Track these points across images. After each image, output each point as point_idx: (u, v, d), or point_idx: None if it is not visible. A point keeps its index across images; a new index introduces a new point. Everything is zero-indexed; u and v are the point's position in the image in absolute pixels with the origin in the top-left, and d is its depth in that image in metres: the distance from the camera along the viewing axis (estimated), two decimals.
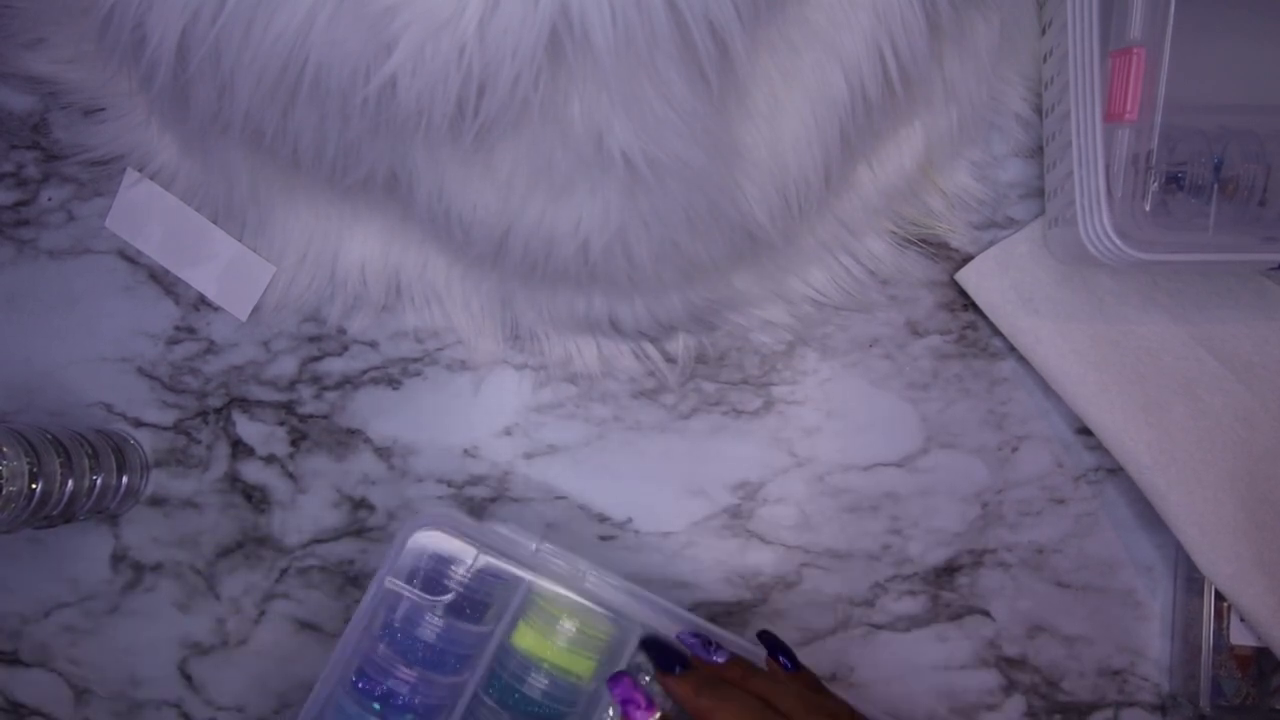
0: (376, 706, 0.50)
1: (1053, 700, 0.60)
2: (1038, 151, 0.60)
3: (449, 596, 0.50)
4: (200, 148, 0.55)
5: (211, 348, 0.61)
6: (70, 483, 0.53)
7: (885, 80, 0.50)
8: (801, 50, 0.48)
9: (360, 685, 0.50)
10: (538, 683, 0.50)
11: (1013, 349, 0.60)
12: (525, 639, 0.51)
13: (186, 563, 0.60)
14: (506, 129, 0.45)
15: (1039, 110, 0.60)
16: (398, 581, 0.50)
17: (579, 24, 0.40)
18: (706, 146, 0.46)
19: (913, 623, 0.60)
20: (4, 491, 0.49)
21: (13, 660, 0.60)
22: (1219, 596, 0.56)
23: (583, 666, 0.51)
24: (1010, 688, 0.60)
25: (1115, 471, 0.60)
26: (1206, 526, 0.55)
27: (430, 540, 0.51)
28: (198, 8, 0.41)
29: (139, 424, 0.60)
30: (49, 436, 0.53)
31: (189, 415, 0.61)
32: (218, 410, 0.60)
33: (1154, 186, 0.52)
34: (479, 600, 0.51)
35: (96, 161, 0.59)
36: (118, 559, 0.60)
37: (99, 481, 0.56)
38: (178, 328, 0.61)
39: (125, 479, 0.58)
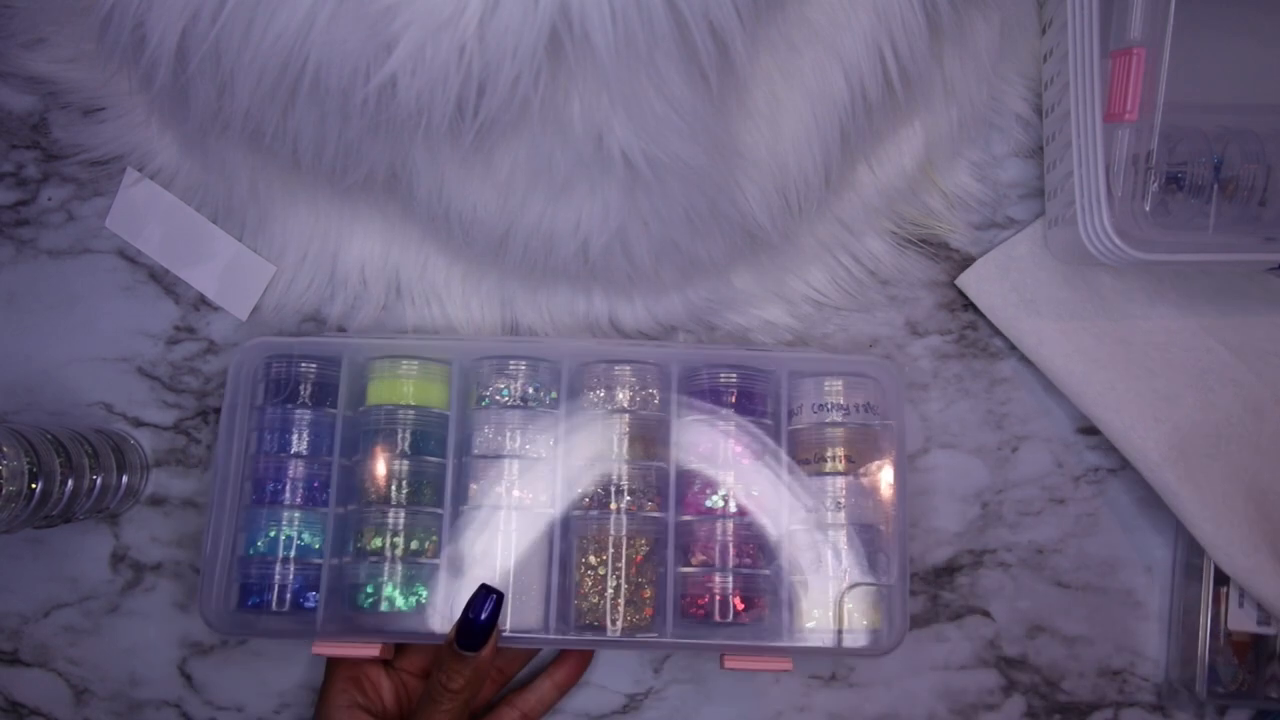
0: (287, 503, 0.54)
1: (1053, 700, 0.60)
2: (1038, 151, 0.60)
3: (305, 390, 0.55)
4: (200, 147, 0.55)
5: (211, 348, 0.61)
6: (70, 483, 0.53)
7: (885, 80, 0.50)
8: (801, 50, 0.48)
9: (255, 499, 0.54)
10: (406, 419, 0.54)
11: (1013, 349, 0.60)
12: (380, 393, 0.54)
13: (186, 563, 0.60)
14: (506, 129, 0.45)
15: (1039, 110, 0.60)
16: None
17: (579, 24, 0.40)
18: (706, 146, 0.46)
19: (913, 622, 0.60)
20: (4, 491, 0.49)
21: (13, 660, 0.60)
22: (1218, 583, 0.56)
23: (436, 395, 0.55)
24: (1010, 688, 0.60)
25: (1115, 471, 0.60)
26: (1221, 521, 0.54)
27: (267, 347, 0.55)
28: (198, 8, 0.41)
29: (139, 424, 0.60)
30: (49, 436, 0.53)
31: (189, 415, 0.61)
32: (218, 410, 0.60)
33: (1154, 186, 0.52)
34: (329, 385, 0.55)
35: (96, 161, 0.59)
36: (118, 559, 0.60)
37: (99, 481, 0.56)
38: (178, 328, 0.61)
39: (125, 479, 0.58)
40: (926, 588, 0.60)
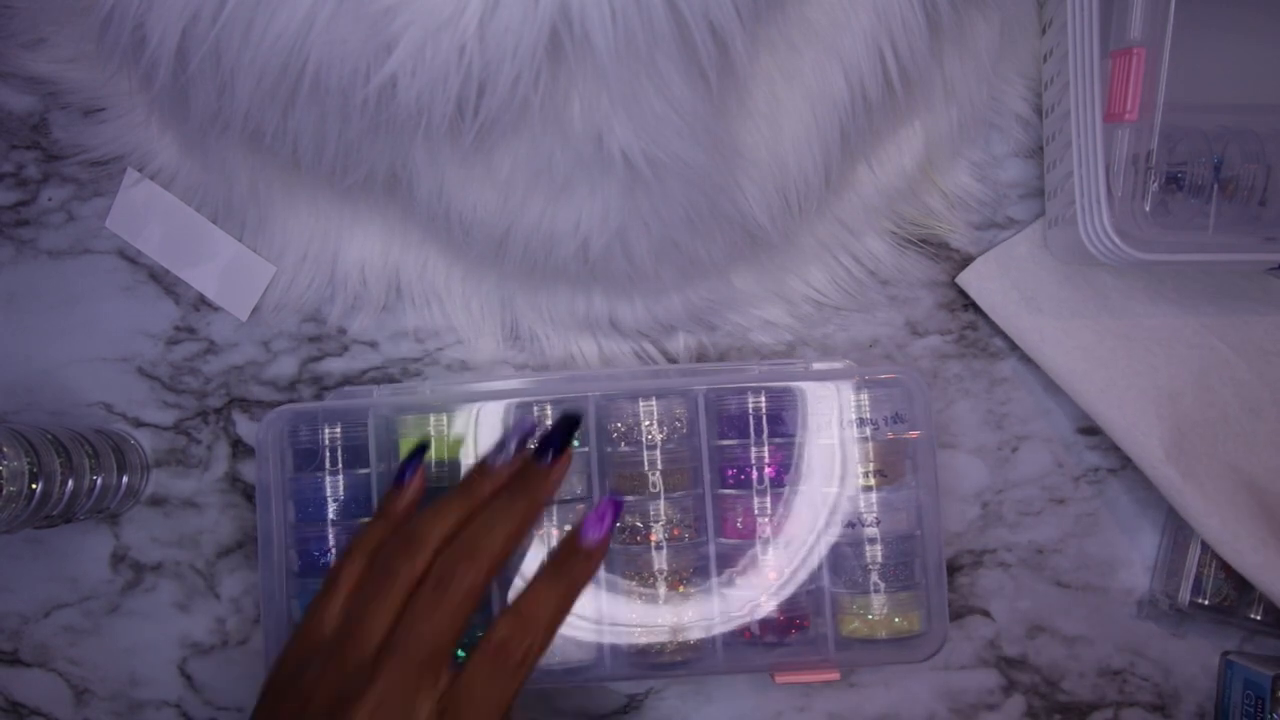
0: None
1: (1053, 700, 0.60)
2: (1038, 151, 0.60)
3: (331, 457, 0.54)
4: (200, 147, 0.55)
5: (211, 348, 0.61)
6: (70, 483, 0.53)
7: (885, 80, 0.50)
8: (801, 50, 0.48)
9: (302, 567, 0.54)
10: (442, 476, 0.54)
11: (1013, 349, 0.60)
12: (409, 446, 0.54)
13: (186, 563, 0.60)
14: (506, 129, 0.45)
15: (1039, 110, 0.60)
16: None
17: (579, 24, 0.40)
18: (706, 146, 0.46)
19: None
20: (4, 491, 0.49)
21: (13, 660, 0.60)
22: None
23: (457, 449, 0.55)
24: (1010, 688, 0.60)
25: (1115, 471, 0.60)
26: (1226, 517, 0.54)
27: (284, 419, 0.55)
28: (198, 8, 0.41)
29: (139, 424, 0.60)
30: (49, 436, 0.53)
31: (189, 415, 0.61)
32: (218, 410, 0.60)
33: (1154, 186, 0.52)
34: (357, 447, 0.55)
35: (96, 161, 0.59)
36: (118, 559, 0.60)
37: (99, 481, 0.56)
38: (178, 328, 0.61)
39: (125, 479, 0.58)
40: None
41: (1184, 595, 0.57)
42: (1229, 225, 0.52)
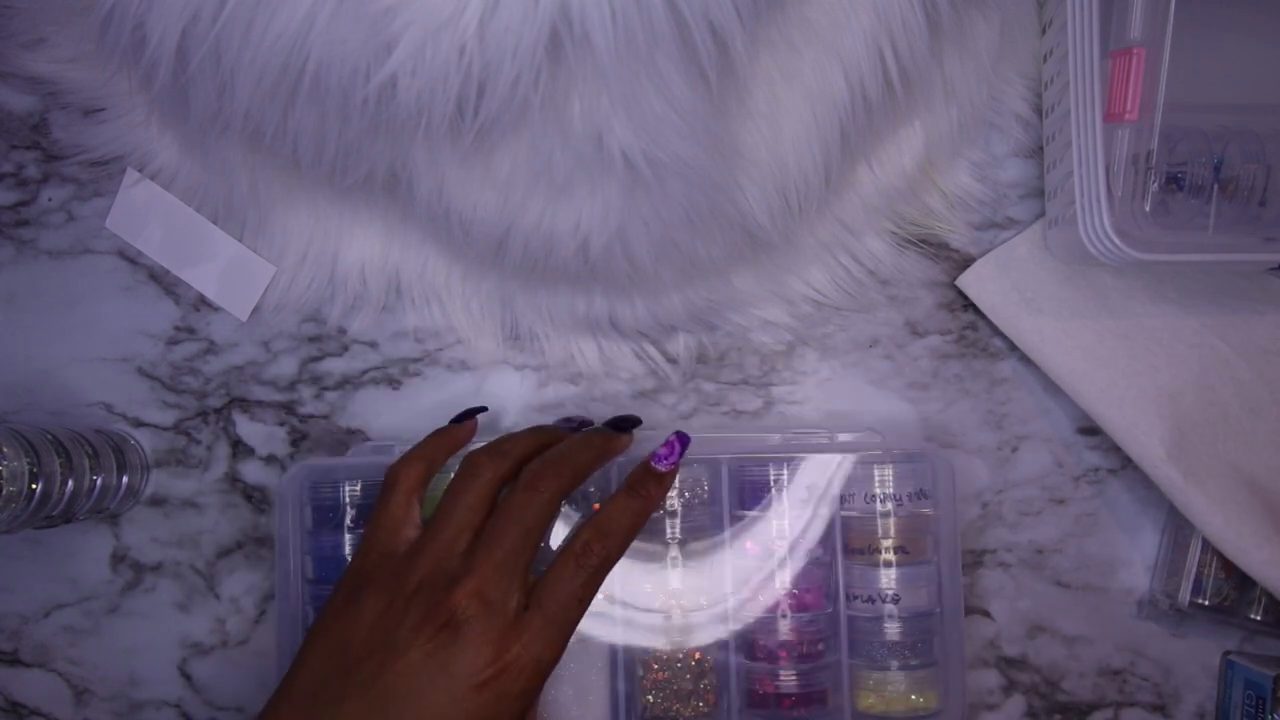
0: None
1: (1053, 700, 0.60)
2: (1038, 151, 0.60)
3: (351, 514, 0.55)
4: (200, 148, 0.55)
5: (211, 348, 0.61)
6: (70, 483, 0.53)
7: (885, 80, 0.50)
8: (801, 50, 0.48)
9: None
10: None
11: (1013, 349, 0.60)
12: (433, 504, 0.54)
13: (186, 563, 0.60)
14: (506, 129, 0.45)
15: (1039, 110, 0.60)
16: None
17: (579, 24, 0.40)
18: (706, 146, 0.46)
19: None
20: (4, 491, 0.50)
21: (13, 660, 0.60)
22: None
23: None
24: (1010, 688, 0.60)
25: (1115, 471, 0.60)
26: (1229, 515, 0.54)
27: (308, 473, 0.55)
28: (198, 8, 0.41)
29: (139, 424, 0.60)
30: (49, 436, 0.53)
31: (189, 415, 0.61)
32: (218, 410, 0.60)
33: (1154, 186, 0.52)
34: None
35: (96, 161, 0.60)
36: (118, 559, 0.60)
37: (99, 481, 0.56)
38: (178, 328, 0.61)
39: (125, 479, 0.58)
40: None
41: (1184, 595, 0.57)
42: (1229, 225, 0.52)
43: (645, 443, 0.53)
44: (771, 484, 0.54)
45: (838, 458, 0.54)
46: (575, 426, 0.54)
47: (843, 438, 0.56)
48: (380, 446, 0.57)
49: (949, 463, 0.54)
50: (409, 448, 0.52)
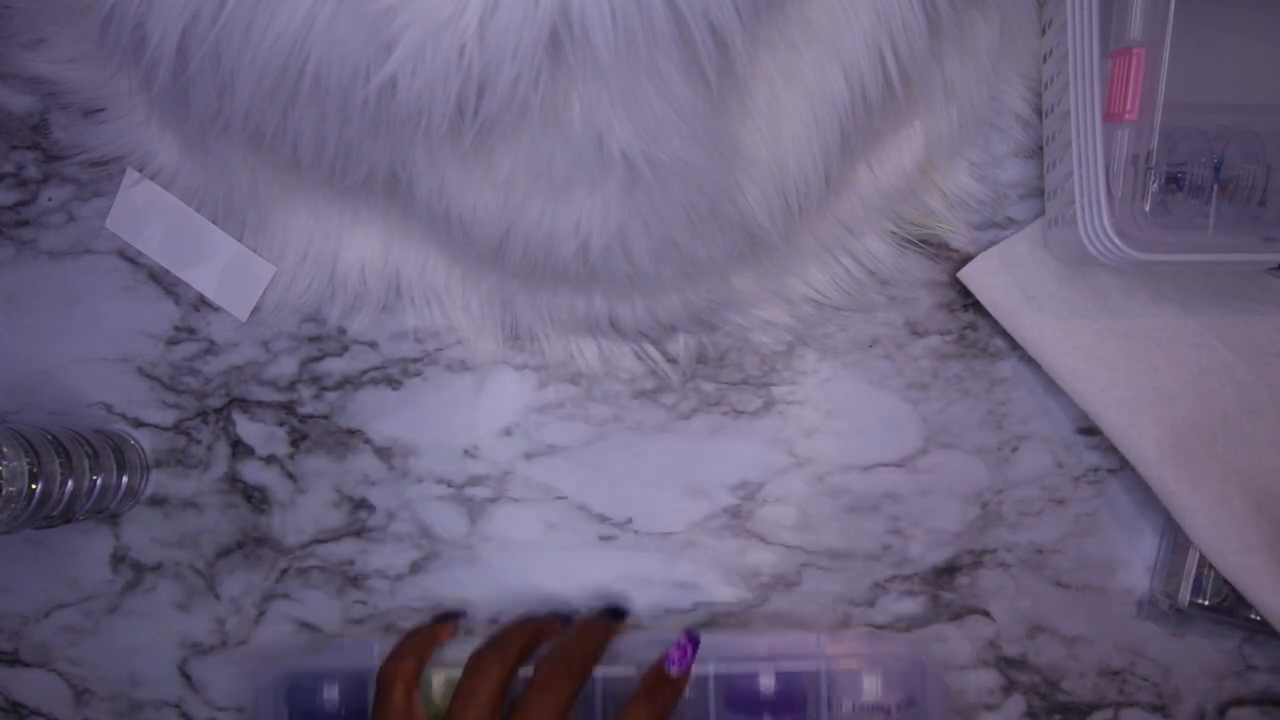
0: None
1: (1053, 700, 0.60)
2: (1038, 151, 0.60)
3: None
4: (200, 148, 0.55)
5: (211, 348, 0.61)
6: (70, 483, 0.53)
7: (885, 80, 0.50)
8: (801, 50, 0.48)
9: None
10: None
11: (1014, 349, 0.60)
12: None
13: (186, 563, 0.60)
14: (506, 129, 0.45)
15: (1039, 110, 0.60)
16: None
17: (579, 24, 0.40)
18: (706, 146, 0.46)
19: (913, 623, 0.60)
20: (4, 491, 0.50)
21: (13, 660, 0.60)
22: None
23: None
24: (1010, 688, 0.60)
25: (1115, 471, 0.60)
26: (1216, 521, 0.54)
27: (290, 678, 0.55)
28: (198, 8, 0.41)
29: (139, 424, 0.60)
30: (49, 436, 0.53)
31: (189, 415, 0.61)
32: (218, 410, 0.60)
33: (1154, 186, 0.52)
34: (358, 702, 0.54)
35: (96, 161, 0.60)
36: (118, 559, 0.60)
37: (99, 481, 0.56)
38: (178, 328, 0.61)
39: (125, 479, 0.58)
40: (926, 588, 0.60)
41: (1184, 595, 0.57)
42: (1229, 225, 0.52)
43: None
44: (759, 695, 0.54)
45: (825, 666, 0.55)
46: (565, 617, 0.57)
47: (830, 650, 0.56)
48: (359, 645, 0.56)
49: (939, 672, 0.55)
50: (389, 647, 0.53)
